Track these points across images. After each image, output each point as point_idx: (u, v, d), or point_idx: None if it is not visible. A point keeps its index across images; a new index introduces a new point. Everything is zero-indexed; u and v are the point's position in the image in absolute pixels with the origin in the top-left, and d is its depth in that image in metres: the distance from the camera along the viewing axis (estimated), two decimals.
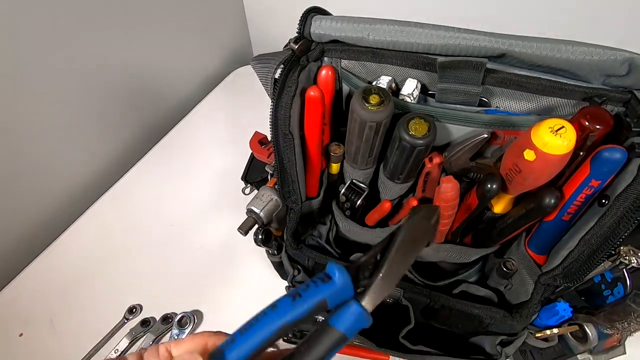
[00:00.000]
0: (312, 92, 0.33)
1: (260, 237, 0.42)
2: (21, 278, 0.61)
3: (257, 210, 0.40)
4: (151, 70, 0.76)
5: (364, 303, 0.22)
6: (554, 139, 0.26)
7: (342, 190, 0.42)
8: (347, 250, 0.47)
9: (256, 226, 0.42)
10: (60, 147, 0.64)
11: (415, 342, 0.41)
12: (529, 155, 0.28)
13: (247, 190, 0.69)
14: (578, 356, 0.38)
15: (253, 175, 0.66)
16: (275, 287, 0.58)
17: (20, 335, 0.55)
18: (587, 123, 0.28)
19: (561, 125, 0.26)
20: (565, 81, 0.31)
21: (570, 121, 0.27)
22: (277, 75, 0.35)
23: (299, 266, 0.44)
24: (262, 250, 0.61)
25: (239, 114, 0.85)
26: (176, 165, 0.75)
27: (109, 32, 0.64)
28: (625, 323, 0.31)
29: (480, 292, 0.42)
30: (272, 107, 0.35)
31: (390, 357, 0.52)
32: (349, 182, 0.42)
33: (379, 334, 0.43)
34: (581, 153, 0.29)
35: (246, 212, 0.41)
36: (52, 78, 0.58)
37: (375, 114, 0.32)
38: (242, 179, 0.67)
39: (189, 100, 0.88)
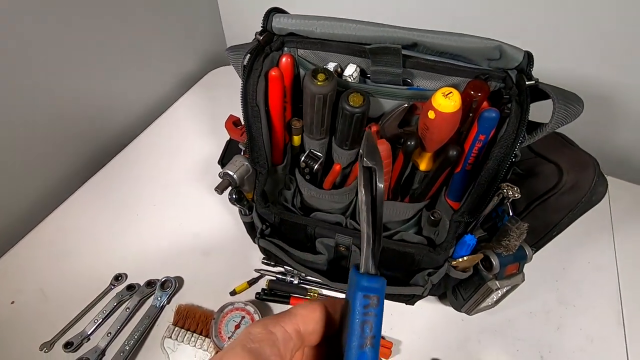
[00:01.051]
0: (273, 72, 0.43)
1: (234, 196, 0.50)
2: (12, 253, 0.66)
3: (231, 173, 0.49)
4: (128, 72, 0.83)
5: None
6: (445, 100, 0.36)
7: (302, 158, 0.52)
8: (308, 213, 0.56)
9: (230, 188, 0.50)
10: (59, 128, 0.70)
11: None
12: (431, 114, 0.38)
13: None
14: (489, 283, 0.48)
15: (229, 159, 0.74)
16: (246, 256, 0.66)
17: (12, 302, 0.60)
18: (472, 92, 0.39)
19: (450, 91, 0.37)
20: (463, 64, 0.42)
21: (462, 92, 0.37)
22: (245, 62, 0.44)
23: (267, 222, 0.53)
24: (236, 225, 0.70)
25: (216, 107, 0.93)
26: (158, 154, 0.82)
27: (86, 34, 0.71)
28: (507, 241, 0.41)
29: (414, 239, 0.52)
30: (242, 85, 0.45)
31: None
32: (307, 151, 0.52)
33: (333, 274, 0.52)
34: (470, 114, 0.40)
35: (222, 176, 0.50)
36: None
37: (321, 88, 0.41)
38: (218, 162, 0.75)
39: (168, 98, 0.95)
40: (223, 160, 0.75)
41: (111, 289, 0.62)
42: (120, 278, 0.63)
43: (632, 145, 0.84)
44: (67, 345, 0.55)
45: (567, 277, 0.66)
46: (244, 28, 1.06)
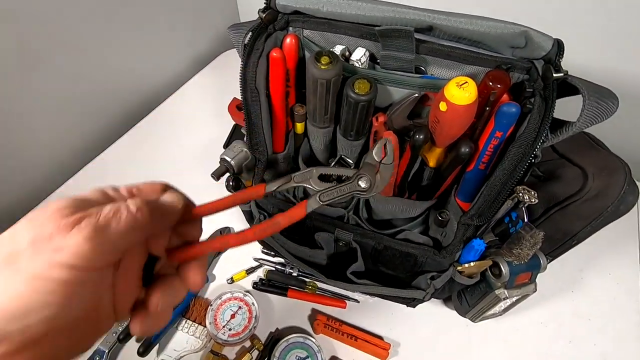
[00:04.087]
0: (274, 53, 0.40)
1: (231, 183, 0.48)
2: None
3: (228, 159, 0.47)
4: (138, 51, 0.81)
5: None
6: (459, 91, 0.33)
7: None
8: None
9: (227, 174, 0.48)
10: (63, 112, 0.70)
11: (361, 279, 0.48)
12: (442, 106, 0.34)
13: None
14: (496, 292, 0.45)
15: None
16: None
17: None
18: (490, 83, 0.35)
19: (465, 81, 0.33)
20: (483, 52, 0.38)
21: (479, 83, 0.33)
22: (246, 41, 0.41)
23: (265, 213, 0.51)
24: (238, 212, 0.68)
25: (226, 90, 0.90)
26: (165, 136, 0.81)
27: (98, 11, 0.69)
28: (519, 249, 0.37)
29: (419, 240, 0.48)
30: (241, 66, 0.42)
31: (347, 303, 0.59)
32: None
33: (331, 271, 0.49)
34: (487, 108, 0.36)
35: (219, 161, 0.47)
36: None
37: (325, 72, 0.38)
38: (224, 147, 0.73)
39: (179, 79, 0.93)
40: (228, 145, 0.74)
41: None
42: None
43: None
44: None
45: (585, 288, 0.62)
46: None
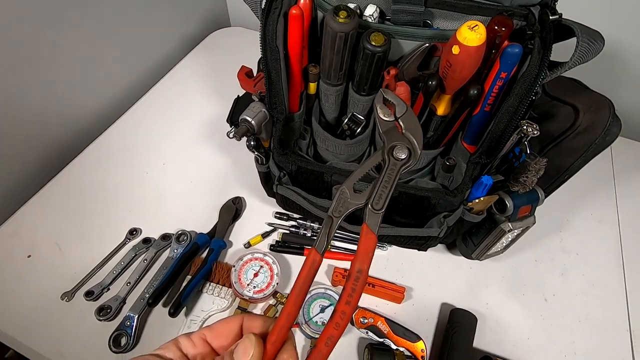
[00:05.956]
0: (293, 10, 0.42)
1: (252, 143, 0.50)
2: (27, 207, 0.66)
3: (249, 119, 0.49)
4: (128, 33, 0.80)
5: None
6: (471, 33, 0.36)
7: (345, 121, 0.52)
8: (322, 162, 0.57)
9: (246, 135, 0.50)
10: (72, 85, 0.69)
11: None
12: (455, 50, 0.38)
13: (232, 134, 0.77)
14: (501, 225, 0.50)
15: (237, 117, 0.74)
16: (258, 211, 0.67)
17: (29, 256, 0.61)
18: (495, 27, 0.39)
19: (475, 24, 0.37)
20: (484, 2, 0.42)
21: (486, 27, 0.37)
22: (263, 5, 0.43)
23: (284, 171, 0.53)
24: (247, 182, 0.70)
25: (219, 68, 0.92)
26: (163, 115, 0.81)
27: None
28: (525, 177, 0.42)
29: (429, 185, 0.53)
30: (260, 27, 0.44)
31: None
32: (350, 114, 0.52)
33: (353, 220, 0.53)
34: (493, 51, 0.40)
35: (240, 122, 0.50)
36: None
37: (343, 26, 0.41)
38: (227, 121, 0.75)
39: (170, 60, 0.93)
40: (232, 118, 0.75)
41: (126, 242, 0.63)
42: (135, 232, 0.64)
43: (635, 103, 0.85)
44: (88, 294, 0.56)
45: (571, 227, 0.69)
46: None
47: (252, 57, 0.63)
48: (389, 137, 0.28)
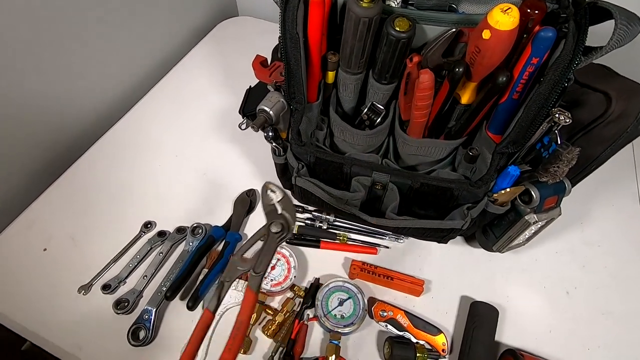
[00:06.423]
0: None
1: (270, 134, 0.49)
2: (41, 200, 0.65)
3: (267, 109, 0.47)
4: (134, 26, 0.78)
5: None
6: (504, 17, 0.35)
7: (364, 111, 0.50)
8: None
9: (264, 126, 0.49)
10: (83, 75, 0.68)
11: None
12: (486, 34, 0.36)
13: (244, 126, 0.75)
14: (526, 217, 0.49)
15: (250, 108, 0.73)
16: None
17: (44, 250, 0.60)
18: (528, 10, 0.37)
19: (508, 7, 0.35)
20: None
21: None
22: None
23: (303, 163, 0.52)
24: (261, 174, 0.69)
25: (228, 59, 0.90)
26: (173, 107, 0.80)
27: None
28: (556, 166, 0.41)
29: (452, 176, 0.51)
30: (280, 13, 0.42)
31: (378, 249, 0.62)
32: (369, 104, 0.50)
33: (372, 212, 0.52)
34: (524, 35, 0.38)
35: (257, 112, 0.48)
36: None
37: (367, 10, 0.39)
38: (239, 112, 0.74)
39: (178, 52, 0.91)
40: (244, 110, 0.74)
41: (141, 235, 0.62)
42: (149, 225, 0.63)
43: None
44: (105, 288, 0.56)
45: (592, 219, 0.67)
46: None
47: (261, 46, 0.61)
48: (269, 217, 0.39)
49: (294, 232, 0.63)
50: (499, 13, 0.35)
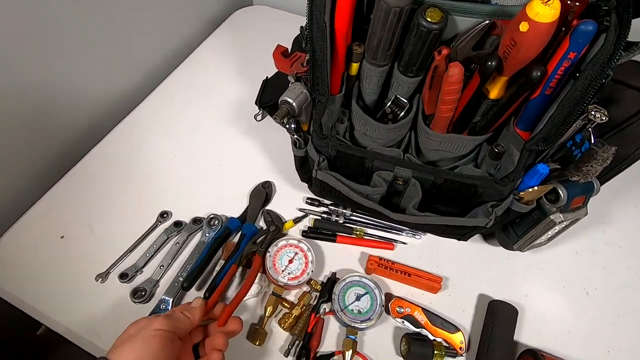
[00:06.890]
0: None
1: (293, 126, 0.48)
2: (58, 187, 0.65)
3: (290, 100, 0.47)
4: (148, 12, 0.77)
5: None
6: (544, 8, 0.33)
7: (388, 104, 0.49)
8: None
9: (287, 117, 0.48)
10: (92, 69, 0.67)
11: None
12: (523, 26, 0.35)
13: (259, 117, 0.75)
14: (552, 217, 0.48)
15: (266, 99, 0.72)
16: (288, 196, 0.66)
17: (62, 237, 0.60)
18: (569, 1, 0.36)
19: None
20: None
21: None
22: None
23: (324, 156, 0.51)
24: (277, 166, 0.69)
25: (244, 48, 0.89)
26: (187, 98, 0.79)
27: None
28: (590, 166, 0.39)
29: (476, 173, 0.50)
30: (308, 2, 0.41)
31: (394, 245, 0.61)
32: (393, 97, 0.49)
33: (390, 207, 0.51)
34: (563, 29, 0.37)
35: (280, 103, 0.47)
36: None
37: (399, 0, 0.38)
38: (255, 103, 0.73)
39: (193, 41, 0.90)
40: (261, 101, 0.73)
41: (157, 225, 0.62)
42: (165, 215, 0.63)
43: None
44: (123, 276, 0.56)
45: (613, 219, 0.66)
46: None
47: (277, 36, 0.60)
48: None
49: (310, 225, 0.63)
50: (539, 4, 0.33)
